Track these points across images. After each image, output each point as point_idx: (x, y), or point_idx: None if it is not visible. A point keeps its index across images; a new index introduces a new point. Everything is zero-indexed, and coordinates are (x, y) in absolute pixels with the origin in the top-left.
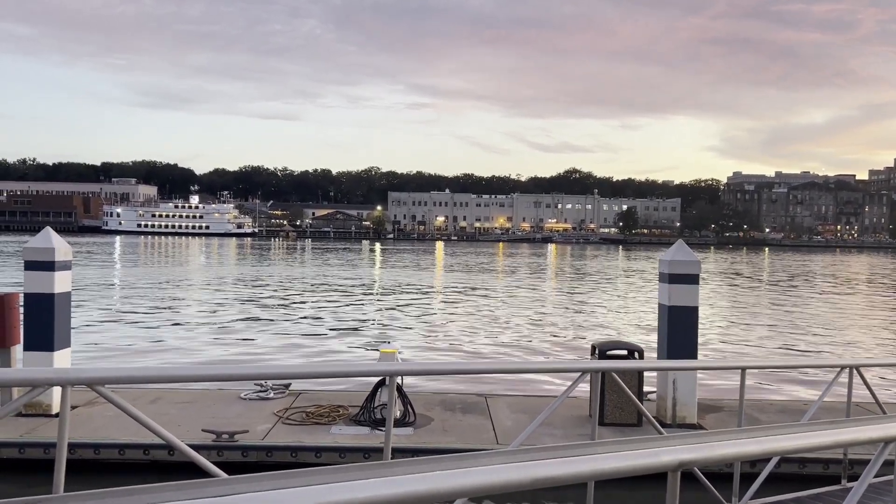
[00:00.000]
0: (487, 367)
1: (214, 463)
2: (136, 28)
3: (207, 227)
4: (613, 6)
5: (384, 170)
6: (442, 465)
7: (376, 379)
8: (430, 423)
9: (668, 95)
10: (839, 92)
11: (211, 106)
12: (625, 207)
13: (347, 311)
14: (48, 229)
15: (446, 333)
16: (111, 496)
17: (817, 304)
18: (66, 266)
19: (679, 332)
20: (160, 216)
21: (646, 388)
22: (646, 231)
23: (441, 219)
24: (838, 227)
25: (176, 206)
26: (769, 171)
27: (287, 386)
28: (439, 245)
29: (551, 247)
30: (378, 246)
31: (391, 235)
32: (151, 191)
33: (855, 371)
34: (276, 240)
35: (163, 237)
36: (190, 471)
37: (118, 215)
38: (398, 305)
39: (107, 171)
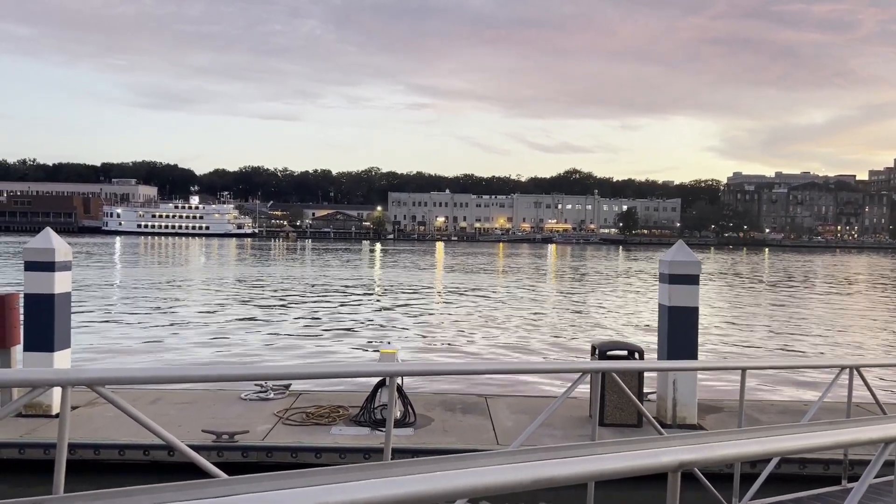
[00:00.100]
0: (487, 368)
1: (214, 463)
2: (136, 28)
3: (207, 228)
4: (613, 6)
5: (384, 170)
6: (442, 465)
7: (376, 379)
8: (430, 423)
9: (668, 95)
10: (839, 92)
11: (211, 106)
12: (625, 208)
13: (347, 311)
14: (48, 230)
15: (446, 334)
16: (111, 497)
17: (817, 305)
18: (67, 267)
19: (679, 332)
20: (160, 217)
21: (646, 389)
22: (646, 231)
23: (441, 219)
24: (838, 227)
25: (176, 207)
26: (769, 172)
27: (287, 386)
28: (439, 245)
29: (551, 247)
30: (378, 246)
31: (391, 236)
32: (151, 191)
33: (855, 371)
34: (276, 240)
35: (163, 238)
36: (190, 471)
37: (118, 216)
38: (398, 306)
39: (107, 172)
